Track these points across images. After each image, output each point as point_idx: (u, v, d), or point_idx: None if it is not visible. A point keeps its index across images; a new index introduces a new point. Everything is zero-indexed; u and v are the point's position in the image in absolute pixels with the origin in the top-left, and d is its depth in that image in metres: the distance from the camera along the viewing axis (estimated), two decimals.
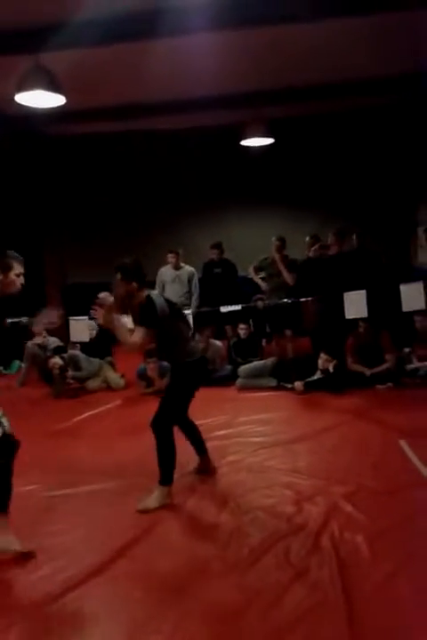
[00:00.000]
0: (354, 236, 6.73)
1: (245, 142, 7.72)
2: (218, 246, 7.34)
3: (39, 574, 2.65)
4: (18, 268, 2.95)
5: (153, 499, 3.25)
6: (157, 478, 3.32)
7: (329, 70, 6.54)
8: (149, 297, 3.24)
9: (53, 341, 6.88)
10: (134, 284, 3.26)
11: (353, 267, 6.48)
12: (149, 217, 9.06)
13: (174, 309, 3.41)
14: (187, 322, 3.65)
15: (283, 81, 6.84)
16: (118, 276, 3.28)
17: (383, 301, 6.35)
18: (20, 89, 5.16)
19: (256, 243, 7.30)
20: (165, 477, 3.28)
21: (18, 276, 2.95)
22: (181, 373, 3.37)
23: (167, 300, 3.41)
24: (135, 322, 3.26)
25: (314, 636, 2.14)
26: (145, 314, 3.18)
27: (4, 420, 2.79)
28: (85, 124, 7.81)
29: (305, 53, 5.96)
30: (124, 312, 3.35)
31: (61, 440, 4.66)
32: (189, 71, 6.10)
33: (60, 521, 3.20)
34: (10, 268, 2.91)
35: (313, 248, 6.75)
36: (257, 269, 7.06)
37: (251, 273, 7.06)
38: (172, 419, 3.33)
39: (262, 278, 7.05)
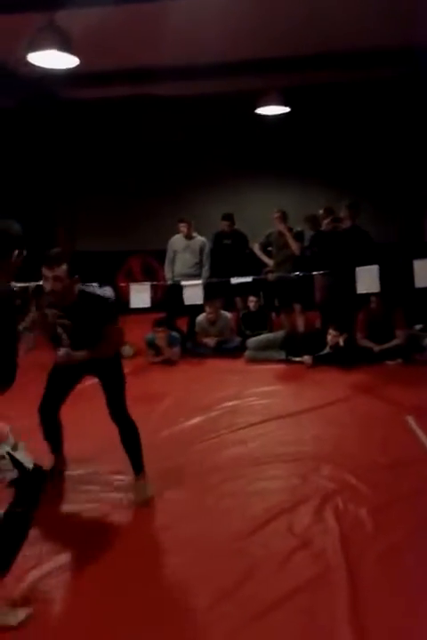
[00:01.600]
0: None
1: (260, 110, 7.58)
2: (229, 218, 7.26)
3: None
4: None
5: (148, 487, 3.07)
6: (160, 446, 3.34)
7: (349, 38, 6.34)
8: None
9: None
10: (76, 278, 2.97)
11: (366, 241, 6.40)
12: (160, 185, 8.96)
13: None
14: None
15: (300, 48, 6.65)
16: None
17: (396, 276, 6.28)
18: (34, 48, 5.07)
19: (269, 214, 7.20)
20: (142, 463, 3.12)
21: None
22: (117, 364, 3.20)
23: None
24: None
25: (315, 606, 2.16)
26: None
27: (21, 455, 2.12)
28: (98, 87, 7.68)
29: (324, 20, 5.78)
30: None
31: (69, 405, 4.69)
32: (205, 36, 5.94)
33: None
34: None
35: (326, 221, 6.68)
36: (264, 245, 6.98)
37: (256, 250, 6.98)
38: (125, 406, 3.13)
39: (269, 252, 6.97)
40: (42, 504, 2.14)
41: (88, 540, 2.69)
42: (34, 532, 2.33)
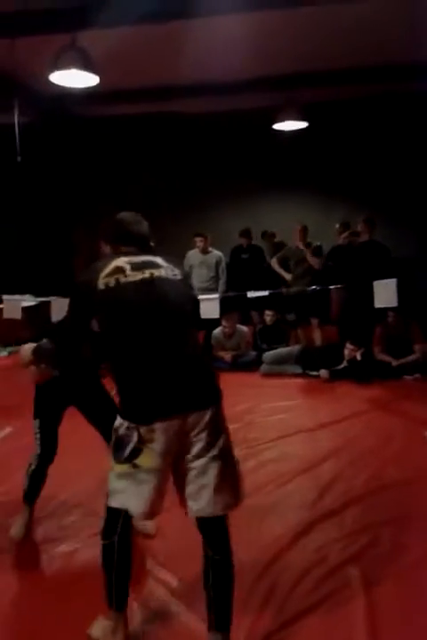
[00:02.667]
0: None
1: (277, 126, 7.63)
2: (246, 233, 7.32)
3: None
4: None
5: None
6: None
7: (366, 53, 6.39)
8: None
9: None
10: None
11: (383, 255, 6.38)
12: (178, 199, 9.05)
13: None
14: None
15: (318, 64, 6.71)
16: None
17: (414, 291, 6.24)
18: (56, 68, 5.19)
19: (286, 228, 7.23)
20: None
21: None
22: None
23: None
24: None
25: (332, 621, 2.15)
26: None
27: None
28: (117, 105, 7.83)
29: (341, 36, 5.83)
30: None
31: None
32: (223, 53, 6.04)
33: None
34: None
35: (343, 235, 6.68)
36: (281, 260, 6.99)
37: (274, 265, 6.99)
38: None
39: (287, 266, 6.97)
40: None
41: None
42: None
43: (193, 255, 7.12)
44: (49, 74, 5.29)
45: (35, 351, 2.15)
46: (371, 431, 4.29)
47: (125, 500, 1.88)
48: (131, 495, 1.86)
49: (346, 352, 5.90)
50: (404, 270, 6.23)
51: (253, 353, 6.60)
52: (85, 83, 5.49)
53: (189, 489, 1.87)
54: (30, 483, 2.85)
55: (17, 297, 5.89)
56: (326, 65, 6.76)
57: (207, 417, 1.84)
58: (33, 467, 2.83)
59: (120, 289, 1.85)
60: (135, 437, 1.79)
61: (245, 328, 6.88)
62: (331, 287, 6.53)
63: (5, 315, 5.31)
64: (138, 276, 1.89)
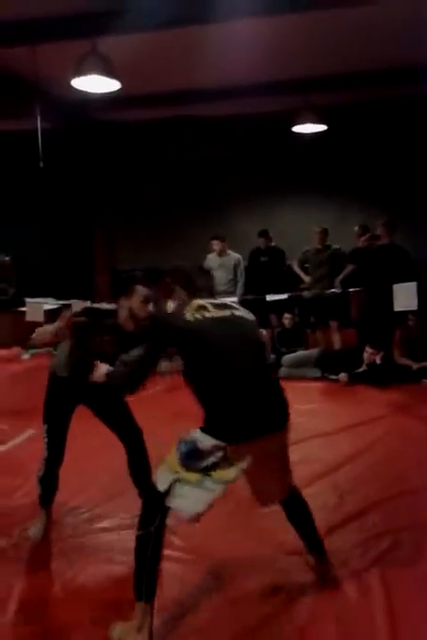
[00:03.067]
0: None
1: (296, 129, 7.62)
2: (264, 234, 7.31)
3: None
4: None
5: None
6: None
7: (386, 55, 6.35)
8: None
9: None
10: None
11: (403, 258, 6.33)
12: (198, 203, 9.09)
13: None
14: None
15: (337, 67, 6.70)
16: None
17: None
18: (77, 74, 5.27)
19: (305, 231, 7.21)
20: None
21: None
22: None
23: None
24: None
25: (352, 625, 2.14)
26: None
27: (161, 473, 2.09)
28: (137, 110, 7.90)
29: (359, 38, 5.81)
30: None
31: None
32: (241, 57, 6.05)
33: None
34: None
35: (363, 238, 6.65)
36: (302, 262, 7.00)
37: (295, 267, 6.99)
38: None
39: (306, 269, 6.97)
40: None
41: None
42: None
43: (211, 259, 7.14)
44: (70, 80, 5.38)
45: (109, 375, 2.31)
46: (391, 435, 4.26)
47: (184, 504, 2.02)
48: (192, 500, 2.00)
49: (365, 355, 5.86)
50: (424, 273, 6.17)
51: (272, 356, 6.59)
52: (106, 88, 5.57)
53: (261, 488, 2.27)
54: (42, 487, 2.86)
55: (39, 300, 5.97)
56: (344, 68, 6.74)
57: (284, 435, 2.19)
58: (42, 472, 2.84)
59: (207, 322, 2.12)
60: (220, 454, 1.99)
61: (263, 331, 6.87)
62: (350, 290, 6.50)
63: (28, 318, 5.39)
64: (220, 313, 2.18)
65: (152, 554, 2.03)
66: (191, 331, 2.10)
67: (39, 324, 6.29)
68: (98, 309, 3.14)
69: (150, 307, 2.55)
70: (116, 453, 2.99)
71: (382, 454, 3.87)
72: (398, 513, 3.00)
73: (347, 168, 8.63)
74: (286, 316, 6.87)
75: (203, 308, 2.16)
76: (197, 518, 2.04)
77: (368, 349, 5.86)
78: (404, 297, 5.97)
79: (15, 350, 7.94)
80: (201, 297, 2.24)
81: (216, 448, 1.98)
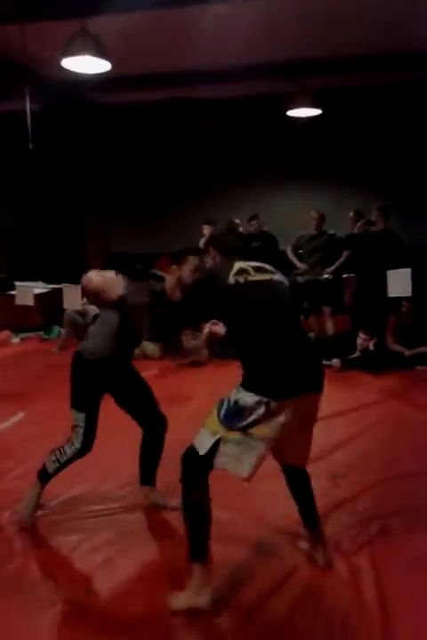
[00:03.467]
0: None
1: (290, 113, 7.54)
2: (255, 218, 7.23)
3: None
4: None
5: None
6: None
7: (381, 40, 6.28)
8: None
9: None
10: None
11: (396, 245, 6.31)
12: (191, 187, 9.01)
13: None
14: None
15: (332, 49, 6.61)
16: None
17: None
18: (67, 54, 5.17)
19: (299, 217, 7.16)
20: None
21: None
22: None
23: None
24: None
25: (343, 607, 2.14)
26: None
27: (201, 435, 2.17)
28: (128, 91, 7.78)
29: (356, 21, 5.74)
30: None
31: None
32: (236, 38, 5.96)
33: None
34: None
35: (358, 224, 6.61)
36: (295, 248, 6.92)
37: (289, 253, 6.91)
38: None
39: (300, 255, 6.92)
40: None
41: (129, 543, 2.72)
42: None
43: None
44: (60, 60, 5.27)
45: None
46: (384, 422, 4.26)
47: (232, 463, 2.10)
48: (238, 460, 2.09)
49: (359, 342, 5.85)
50: (418, 259, 6.15)
51: None
52: (97, 69, 5.46)
53: (289, 447, 2.32)
54: (58, 470, 2.76)
55: (29, 284, 5.92)
56: (339, 51, 6.65)
57: (319, 396, 2.27)
58: (67, 457, 2.70)
59: (250, 285, 2.22)
60: (262, 410, 2.05)
61: None
62: (344, 276, 6.48)
63: (18, 301, 5.34)
64: (261, 276, 2.29)
65: (204, 515, 2.15)
66: (235, 294, 2.20)
67: (29, 308, 6.30)
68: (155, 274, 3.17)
69: (198, 275, 2.57)
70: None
71: (375, 440, 3.87)
72: (389, 498, 3.00)
73: (343, 153, 8.57)
74: None
75: (244, 271, 2.26)
76: (248, 478, 2.11)
77: (361, 335, 5.85)
78: (398, 283, 5.95)
79: (5, 334, 7.88)
80: (241, 259, 2.34)
81: (258, 404, 2.05)
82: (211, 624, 2.09)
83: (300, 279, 6.79)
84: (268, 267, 2.40)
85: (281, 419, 2.08)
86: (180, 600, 2.14)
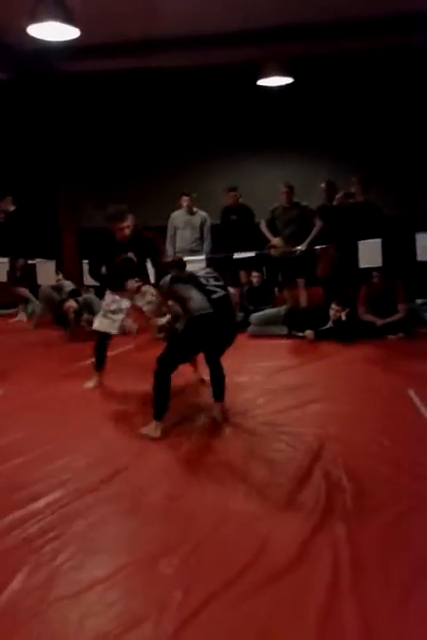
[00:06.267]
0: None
1: (262, 82, 7.46)
2: (233, 190, 7.20)
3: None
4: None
5: (147, 428, 3.56)
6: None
7: (354, 5, 6.21)
8: None
9: (68, 285, 6.90)
10: None
11: (375, 217, 6.36)
12: (162, 159, 8.89)
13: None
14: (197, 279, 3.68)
15: (304, 16, 6.52)
16: None
17: (398, 251, 6.27)
18: (33, 20, 4.99)
19: (272, 188, 7.14)
20: (156, 412, 3.55)
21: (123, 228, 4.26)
22: (189, 326, 3.56)
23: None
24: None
25: (315, 575, 2.21)
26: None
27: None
28: (98, 60, 7.55)
29: None
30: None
31: (75, 380, 4.76)
32: (206, 4, 5.85)
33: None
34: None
35: (338, 195, 6.60)
36: (270, 221, 6.87)
37: (262, 227, 6.87)
38: (170, 363, 3.55)
39: (275, 227, 6.88)
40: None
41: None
42: None
43: (177, 216, 7.04)
44: (26, 27, 5.09)
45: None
46: (356, 391, 4.37)
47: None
48: None
49: (331, 313, 5.94)
50: (389, 229, 6.24)
51: (241, 314, 6.62)
52: (65, 36, 5.30)
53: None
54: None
55: (1, 259, 5.81)
56: (310, 17, 6.57)
57: None
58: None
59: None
60: None
61: (231, 289, 6.86)
62: (317, 247, 6.52)
63: None
64: None
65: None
66: None
67: (2, 284, 6.18)
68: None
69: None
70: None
71: (348, 409, 3.96)
72: (361, 466, 3.09)
73: (315, 122, 8.54)
74: (254, 274, 6.87)
75: None
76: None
77: (334, 306, 5.94)
78: (369, 254, 6.07)
79: None
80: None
81: None
82: None
83: (274, 252, 6.80)
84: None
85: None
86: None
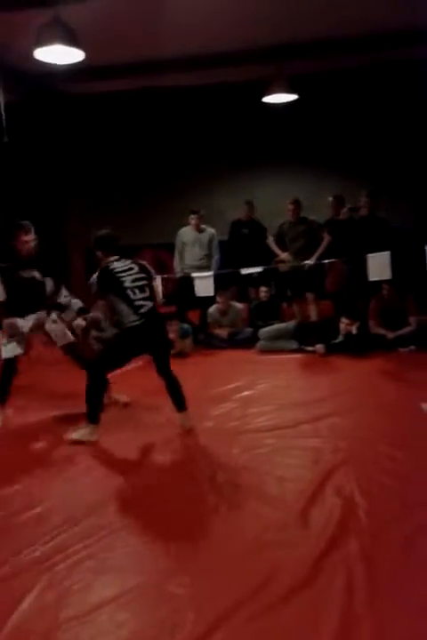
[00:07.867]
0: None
1: (267, 99, 7.51)
2: (250, 203, 7.23)
3: None
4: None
5: (77, 432, 3.72)
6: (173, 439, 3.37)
7: (357, 22, 6.26)
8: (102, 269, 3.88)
9: (76, 303, 6.91)
10: (99, 253, 4.03)
11: (383, 230, 6.35)
12: (170, 177, 8.95)
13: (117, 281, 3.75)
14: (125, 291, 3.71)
15: (307, 34, 6.59)
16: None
17: (408, 263, 6.24)
18: (39, 43, 5.07)
19: (281, 204, 7.15)
20: (90, 415, 3.70)
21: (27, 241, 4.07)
22: (119, 336, 3.81)
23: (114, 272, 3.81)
24: None
25: (331, 589, 2.16)
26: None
27: None
28: (105, 81, 7.66)
29: (331, 4, 5.71)
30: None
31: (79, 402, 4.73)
32: (211, 25, 5.92)
33: None
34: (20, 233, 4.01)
35: (343, 210, 6.61)
36: (278, 236, 6.87)
37: (270, 243, 6.87)
38: (101, 370, 3.78)
39: (284, 242, 6.86)
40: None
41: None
42: None
43: (186, 233, 7.05)
44: (33, 51, 5.17)
45: None
46: (368, 404, 4.31)
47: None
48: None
49: (341, 326, 5.90)
50: (399, 242, 6.22)
51: (249, 330, 6.59)
52: (70, 59, 5.37)
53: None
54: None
55: None
56: (314, 35, 6.63)
57: None
58: None
59: None
60: None
61: (239, 305, 6.85)
62: (325, 261, 6.51)
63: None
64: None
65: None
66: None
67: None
68: None
69: None
70: None
71: (360, 423, 3.91)
72: (374, 479, 3.03)
73: (320, 138, 8.58)
74: (263, 289, 6.85)
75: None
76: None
77: (344, 320, 5.90)
78: (377, 267, 6.05)
79: None
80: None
81: None
82: None
83: (282, 267, 6.78)
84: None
85: None
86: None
